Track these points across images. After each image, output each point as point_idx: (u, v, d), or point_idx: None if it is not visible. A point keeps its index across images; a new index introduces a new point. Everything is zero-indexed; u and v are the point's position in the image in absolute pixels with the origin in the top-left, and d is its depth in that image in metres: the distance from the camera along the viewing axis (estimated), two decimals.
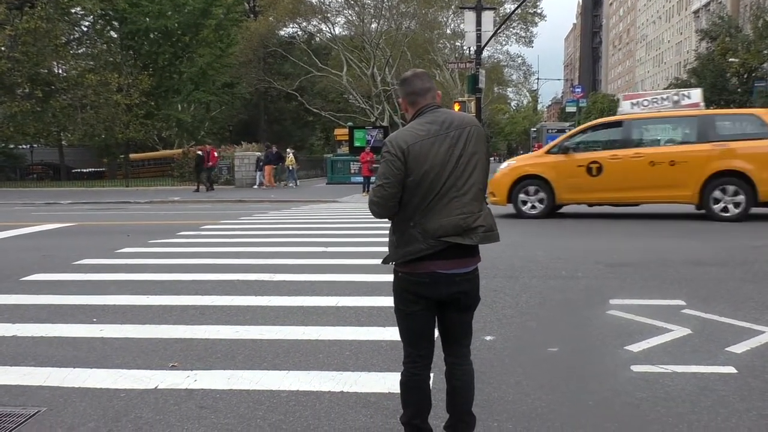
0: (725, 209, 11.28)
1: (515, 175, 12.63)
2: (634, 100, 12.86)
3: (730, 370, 3.87)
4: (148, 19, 34.05)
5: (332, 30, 43.43)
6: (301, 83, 44.39)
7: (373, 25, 40.96)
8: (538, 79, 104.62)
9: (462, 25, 31.71)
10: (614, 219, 12.21)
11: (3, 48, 29.41)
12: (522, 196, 12.49)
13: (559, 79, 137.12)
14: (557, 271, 7.05)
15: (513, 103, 78.21)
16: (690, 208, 11.98)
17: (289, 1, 40.26)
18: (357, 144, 29.57)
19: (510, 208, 12.63)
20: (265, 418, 3.31)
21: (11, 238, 10.95)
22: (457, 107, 22.18)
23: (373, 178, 19.97)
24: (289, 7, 40.53)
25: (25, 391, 3.75)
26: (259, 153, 27.97)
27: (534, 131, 56.60)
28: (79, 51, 36.87)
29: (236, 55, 41.41)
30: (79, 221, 13.81)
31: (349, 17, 42.30)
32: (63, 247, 9.71)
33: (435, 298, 2.63)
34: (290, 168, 27.44)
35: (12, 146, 40.58)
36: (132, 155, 36.62)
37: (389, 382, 3.65)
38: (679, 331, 4.63)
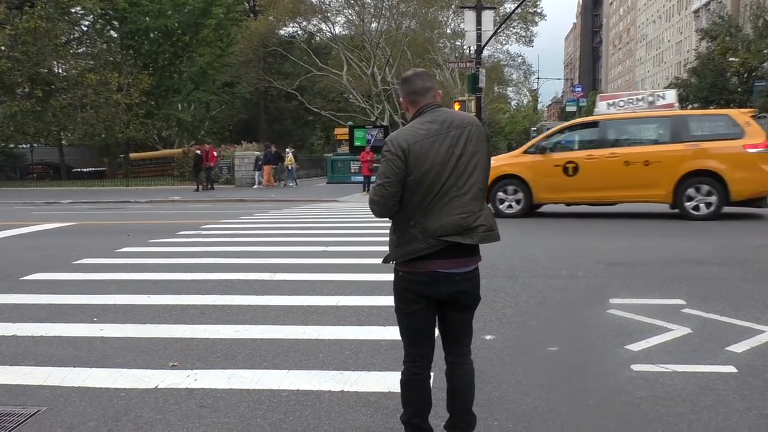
0: (696, 208, 11.35)
1: (493, 174, 12.61)
2: (610, 101, 12.91)
3: (731, 369, 3.87)
4: (148, 18, 34.01)
5: (332, 29, 43.48)
6: (301, 83, 44.37)
7: (373, 25, 40.95)
8: (538, 78, 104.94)
9: (462, 25, 31.67)
10: (614, 219, 12.20)
11: (3, 47, 29.38)
12: (500, 195, 12.51)
13: (559, 79, 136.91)
14: (557, 271, 7.06)
15: (513, 103, 78.23)
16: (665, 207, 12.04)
17: (289, 0, 40.25)
18: (357, 143, 29.54)
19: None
20: (266, 418, 3.31)
21: (11, 238, 10.95)
22: (457, 107, 22.15)
23: (373, 178, 19.99)
24: (289, 7, 40.50)
25: (25, 390, 3.75)
26: (259, 153, 27.96)
27: (534, 131, 56.55)
28: (79, 50, 36.82)
29: (236, 54, 41.35)
30: (79, 221, 13.81)
31: (349, 17, 42.35)
32: (63, 246, 9.71)
33: (435, 297, 2.62)
34: (289, 168, 27.42)
35: (12, 146, 40.68)
36: (132, 155, 36.68)
37: (389, 381, 3.65)
38: (679, 331, 4.64)
